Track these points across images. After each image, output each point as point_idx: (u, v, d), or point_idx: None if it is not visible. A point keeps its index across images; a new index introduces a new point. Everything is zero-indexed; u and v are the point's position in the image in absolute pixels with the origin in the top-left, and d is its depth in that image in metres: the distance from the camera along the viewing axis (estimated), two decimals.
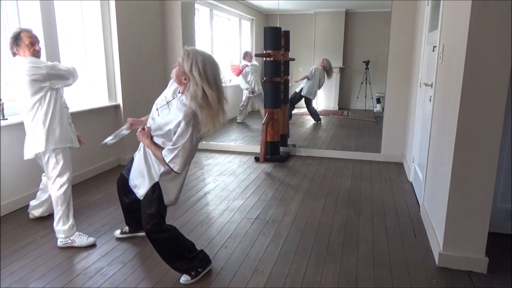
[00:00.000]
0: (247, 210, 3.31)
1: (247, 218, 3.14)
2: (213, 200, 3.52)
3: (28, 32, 2.65)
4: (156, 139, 2.11)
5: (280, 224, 3.03)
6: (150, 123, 2.17)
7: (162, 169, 2.11)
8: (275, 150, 4.90)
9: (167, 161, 2.02)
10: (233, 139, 5.94)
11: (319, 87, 6.53)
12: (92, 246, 2.68)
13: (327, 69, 6.38)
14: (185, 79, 1.99)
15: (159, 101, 2.18)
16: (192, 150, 2.05)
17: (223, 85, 2.03)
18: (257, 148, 5.18)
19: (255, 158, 4.88)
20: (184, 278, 2.24)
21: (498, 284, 2.24)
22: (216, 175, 4.26)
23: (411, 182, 3.98)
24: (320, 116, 7.20)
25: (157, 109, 2.15)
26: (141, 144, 2.22)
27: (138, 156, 2.25)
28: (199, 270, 2.26)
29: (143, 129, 2.13)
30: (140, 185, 2.21)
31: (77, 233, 2.71)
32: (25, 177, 3.38)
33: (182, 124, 1.96)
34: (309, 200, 3.53)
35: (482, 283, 2.24)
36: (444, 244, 2.40)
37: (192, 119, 1.97)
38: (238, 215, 3.20)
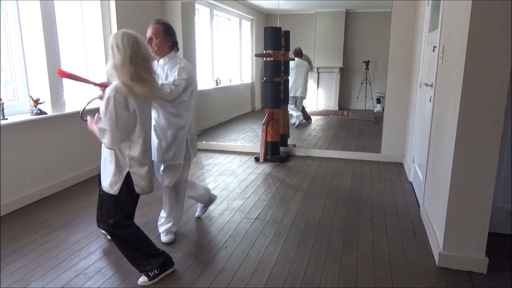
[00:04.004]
0: (247, 210, 3.31)
1: (247, 218, 3.14)
2: None
3: (153, 24, 2.45)
4: None
5: (280, 224, 3.03)
6: None
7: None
8: (275, 150, 4.90)
9: (100, 139, 2.06)
10: (233, 139, 5.94)
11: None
12: (93, 246, 2.68)
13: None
14: None
15: None
16: (118, 122, 2.02)
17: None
18: (257, 148, 5.18)
19: (255, 158, 4.88)
20: (142, 279, 2.24)
21: (498, 284, 2.24)
22: (216, 175, 4.26)
23: (411, 182, 3.97)
24: (320, 116, 7.21)
25: None
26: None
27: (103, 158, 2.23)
28: (156, 272, 2.25)
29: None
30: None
31: None
32: (25, 177, 3.38)
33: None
34: (309, 200, 3.53)
35: (482, 283, 2.24)
36: (444, 244, 2.40)
37: (111, 91, 2.00)
38: (238, 215, 3.20)
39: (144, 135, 2.14)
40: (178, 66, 2.47)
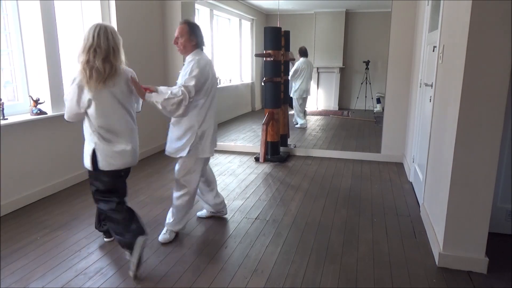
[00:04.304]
0: (247, 210, 3.31)
1: (247, 218, 3.14)
2: None
3: (179, 25, 2.61)
4: None
5: (280, 224, 3.03)
6: None
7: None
8: (275, 150, 4.90)
9: None
10: (233, 139, 5.94)
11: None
12: (93, 246, 2.68)
13: None
14: None
15: None
16: (71, 103, 2.28)
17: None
18: (257, 148, 5.18)
19: (255, 158, 4.88)
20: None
21: (498, 284, 2.24)
22: (216, 175, 4.25)
23: (411, 182, 3.97)
24: (320, 116, 7.20)
25: None
26: None
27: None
28: (127, 257, 2.32)
29: None
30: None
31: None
32: (25, 177, 3.38)
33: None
34: (309, 200, 3.53)
35: (482, 283, 2.24)
36: (444, 244, 2.40)
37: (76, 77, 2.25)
38: (238, 215, 3.20)
39: (100, 121, 2.28)
40: (191, 64, 2.55)
